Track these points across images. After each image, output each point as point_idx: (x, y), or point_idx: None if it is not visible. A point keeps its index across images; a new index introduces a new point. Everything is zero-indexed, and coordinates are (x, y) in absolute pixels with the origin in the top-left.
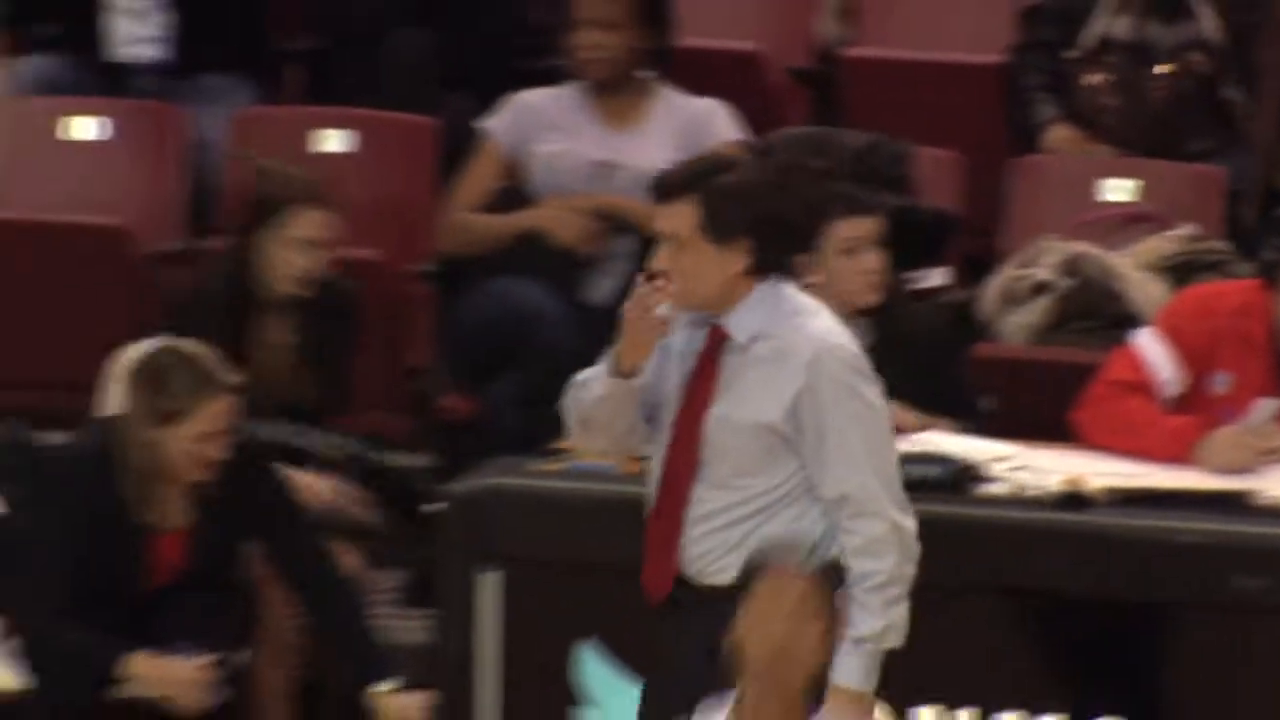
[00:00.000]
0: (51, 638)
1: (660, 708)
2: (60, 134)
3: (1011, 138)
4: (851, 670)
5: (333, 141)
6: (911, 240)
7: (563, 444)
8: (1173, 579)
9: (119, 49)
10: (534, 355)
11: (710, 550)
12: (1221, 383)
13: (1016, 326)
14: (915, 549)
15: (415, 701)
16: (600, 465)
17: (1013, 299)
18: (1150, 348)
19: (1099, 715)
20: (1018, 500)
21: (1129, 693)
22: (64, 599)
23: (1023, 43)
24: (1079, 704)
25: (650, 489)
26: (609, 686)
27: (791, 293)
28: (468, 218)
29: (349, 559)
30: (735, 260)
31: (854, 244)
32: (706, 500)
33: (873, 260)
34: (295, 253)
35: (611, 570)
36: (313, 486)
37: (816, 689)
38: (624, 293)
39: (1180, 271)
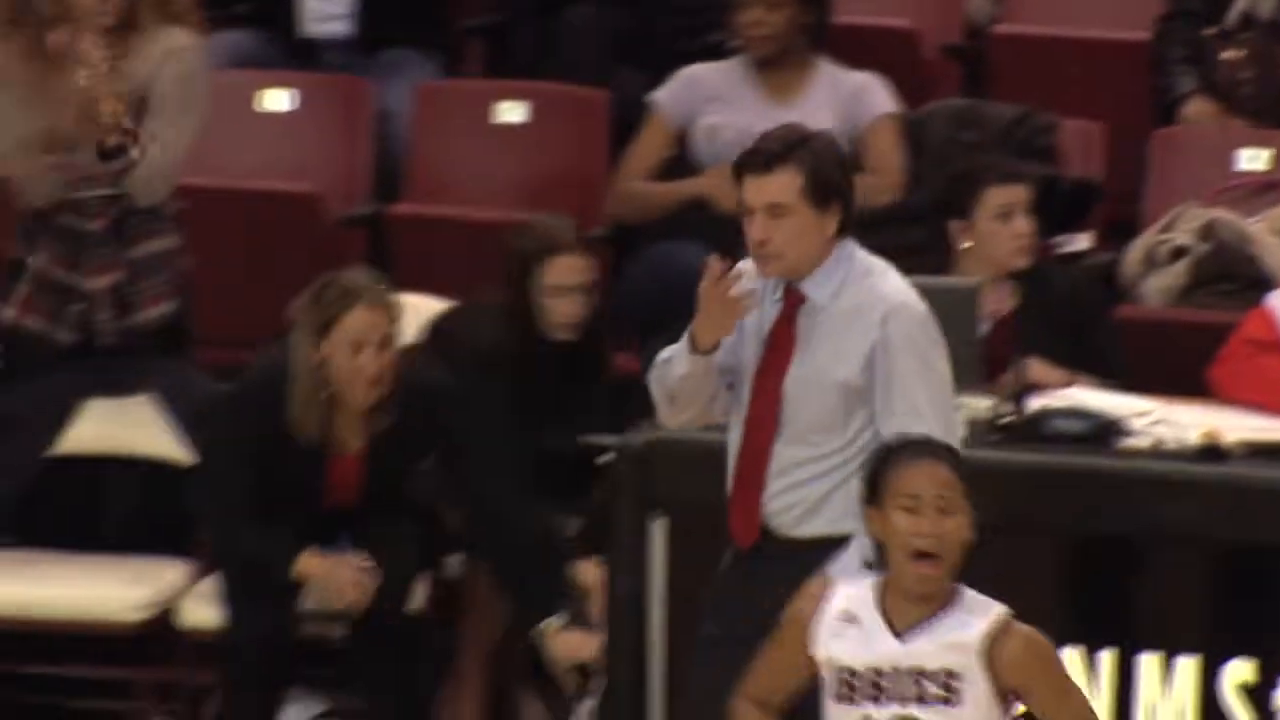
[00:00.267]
0: (235, 546)
1: (739, 639)
2: (255, 106)
3: (1153, 109)
4: (851, 569)
5: (510, 113)
6: (1057, 207)
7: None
8: None
9: (309, 25)
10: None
11: (792, 505)
12: None
13: (1156, 288)
14: None
15: (584, 639)
16: None
17: (1153, 262)
18: None
19: (1232, 657)
20: (1158, 453)
21: (1260, 635)
22: (246, 512)
23: (1167, 16)
24: (1213, 646)
25: (732, 448)
26: None
27: (862, 254)
28: (637, 185)
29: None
30: (831, 222)
31: (1005, 210)
32: (786, 456)
33: (1023, 225)
34: (557, 299)
35: None
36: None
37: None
38: None
39: None
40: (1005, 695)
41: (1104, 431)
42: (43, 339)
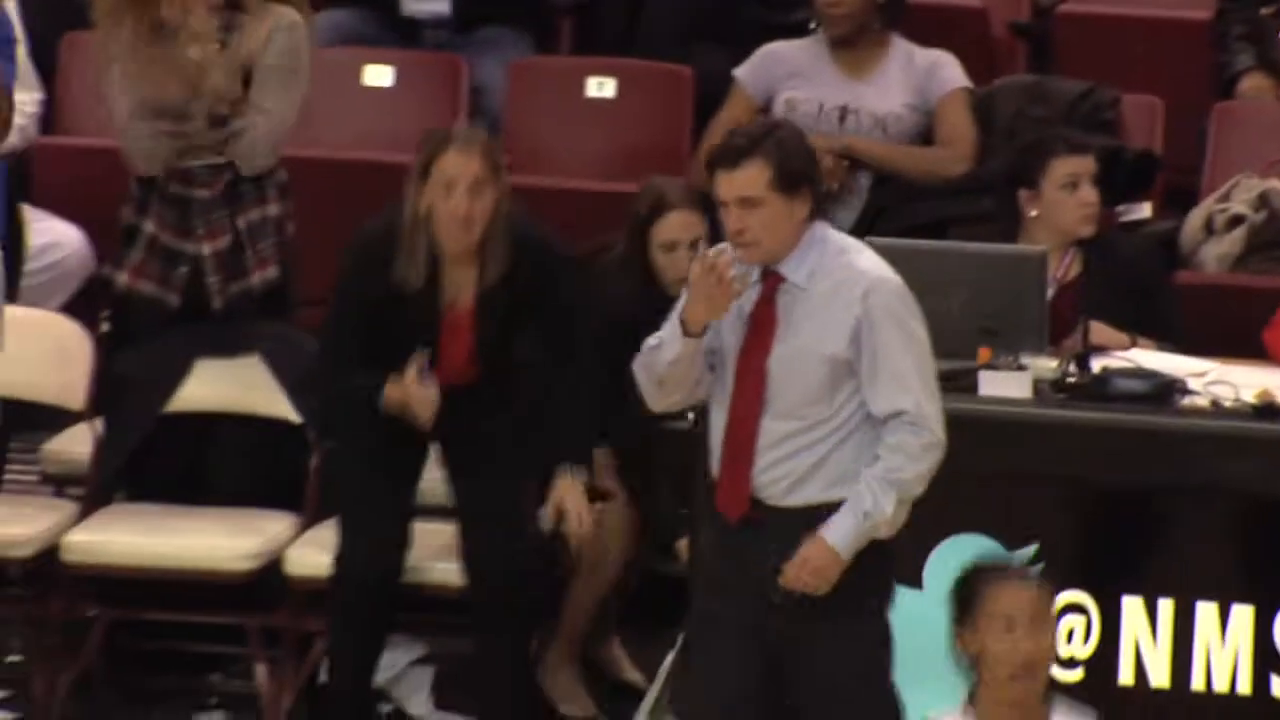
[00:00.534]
0: (338, 390)
1: (737, 614)
2: (358, 81)
3: (1211, 85)
4: (845, 535)
5: (600, 88)
6: (1120, 178)
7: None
8: None
9: (409, 5)
10: None
11: (782, 477)
12: None
13: (1214, 255)
14: (935, 468)
15: (585, 501)
16: None
17: (1211, 230)
18: None
19: None
20: (1215, 411)
21: None
22: (351, 359)
23: None
24: (1267, 595)
25: (716, 427)
26: None
27: (835, 234)
28: None
29: None
30: (801, 208)
31: (1071, 180)
32: (776, 430)
33: (1088, 195)
34: (669, 255)
35: None
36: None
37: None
38: (859, 222)
39: None
40: None
41: (1164, 391)
42: (154, 303)
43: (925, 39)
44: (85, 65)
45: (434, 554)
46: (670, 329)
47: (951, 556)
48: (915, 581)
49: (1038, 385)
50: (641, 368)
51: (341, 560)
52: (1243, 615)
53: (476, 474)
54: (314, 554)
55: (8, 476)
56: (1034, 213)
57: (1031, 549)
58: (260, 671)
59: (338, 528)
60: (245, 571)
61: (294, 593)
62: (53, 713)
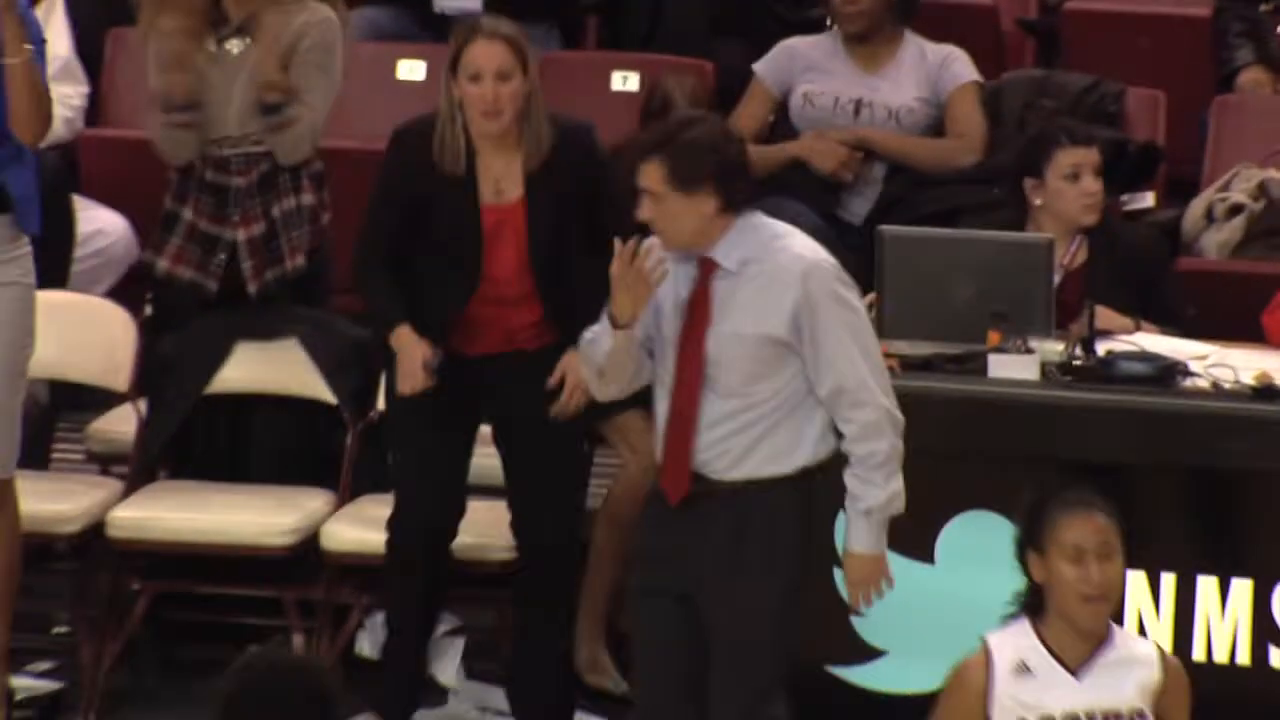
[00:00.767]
0: (365, 282)
1: (678, 583)
2: (392, 75)
3: (1212, 79)
4: (864, 537)
5: (624, 82)
6: (1124, 168)
7: None
8: None
9: (441, 2)
10: None
11: (726, 451)
12: None
13: (1214, 242)
14: (902, 425)
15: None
16: None
17: (1211, 219)
18: None
19: None
20: (1215, 392)
21: None
22: (380, 250)
23: None
24: (1266, 569)
25: (661, 410)
26: None
27: (768, 221)
28: None
29: None
30: (706, 203)
31: (1074, 170)
32: (718, 409)
33: (1090, 185)
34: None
35: None
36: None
37: None
38: (874, 211)
39: None
40: None
41: (1166, 373)
42: (193, 287)
43: (937, 35)
44: (130, 60)
45: (466, 528)
46: (603, 324)
47: (961, 533)
48: (927, 557)
49: (1045, 367)
50: (583, 360)
51: (395, 529)
52: (1242, 589)
53: (529, 453)
54: (349, 529)
55: (55, 455)
56: (1039, 201)
57: None
58: (297, 642)
59: (395, 495)
60: (283, 546)
61: (330, 567)
62: (98, 682)
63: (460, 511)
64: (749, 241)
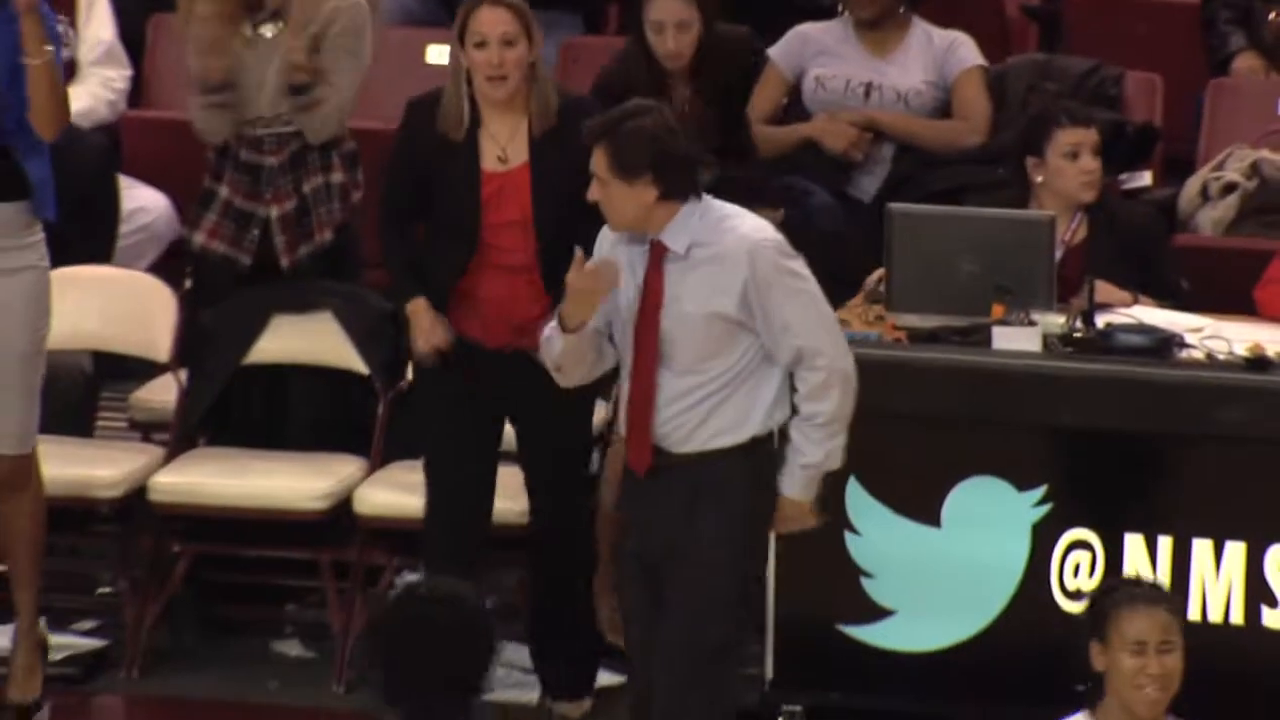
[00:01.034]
0: (384, 251)
1: (646, 552)
2: (421, 59)
3: (1207, 64)
4: (798, 486)
5: None
6: (1123, 148)
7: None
8: None
9: None
10: (813, 237)
11: (682, 425)
12: None
13: (1209, 220)
14: (855, 386)
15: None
16: (868, 334)
17: (1206, 197)
18: None
19: (1275, 542)
20: (1210, 363)
21: None
22: (395, 219)
23: None
24: (1259, 532)
25: (625, 383)
26: (869, 515)
27: (716, 204)
28: (756, 129)
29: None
30: (646, 190)
31: (1073, 149)
32: (676, 385)
33: (1089, 163)
34: (659, 35)
35: (876, 416)
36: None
37: None
38: (883, 189)
39: None
40: None
41: (1163, 345)
42: (228, 262)
43: (944, 21)
44: (170, 44)
45: None
46: (554, 326)
47: (967, 497)
48: (934, 521)
49: (1047, 339)
50: (543, 355)
51: (432, 503)
52: (1235, 551)
53: (544, 440)
54: (381, 493)
55: (99, 424)
56: (1040, 179)
57: (1040, 490)
58: (332, 602)
59: (426, 471)
60: (317, 510)
61: (362, 530)
62: (140, 640)
63: (491, 497)
64: (696, 225)
